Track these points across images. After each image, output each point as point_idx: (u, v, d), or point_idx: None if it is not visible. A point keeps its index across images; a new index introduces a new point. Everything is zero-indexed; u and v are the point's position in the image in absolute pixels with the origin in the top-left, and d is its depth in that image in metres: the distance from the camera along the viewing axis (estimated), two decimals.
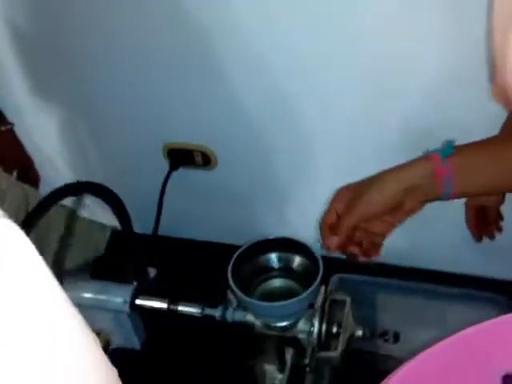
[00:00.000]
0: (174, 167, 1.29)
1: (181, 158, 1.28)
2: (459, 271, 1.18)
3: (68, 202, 1.34)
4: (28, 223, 0.82)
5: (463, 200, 0.99)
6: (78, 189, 0.96)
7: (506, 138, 0.73)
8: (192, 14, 1.00)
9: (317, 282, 0.78)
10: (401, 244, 1.23)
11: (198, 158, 1.27)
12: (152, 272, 1.28)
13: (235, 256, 0.84)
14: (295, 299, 0.77)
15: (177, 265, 1.33)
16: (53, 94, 1.23)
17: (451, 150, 0.66)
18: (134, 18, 1.03)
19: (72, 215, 1.25)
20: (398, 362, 1.09)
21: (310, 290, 0.77)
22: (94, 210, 1.34)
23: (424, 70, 0.95)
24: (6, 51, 1.14)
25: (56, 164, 1.32)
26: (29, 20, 1.10)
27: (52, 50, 1.13)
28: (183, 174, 1.29)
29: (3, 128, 1.16)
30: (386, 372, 1.08)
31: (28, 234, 0.76)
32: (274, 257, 0.88)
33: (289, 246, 0.88)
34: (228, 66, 1.07)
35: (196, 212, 1.36)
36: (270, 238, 0.87)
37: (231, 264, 0.83)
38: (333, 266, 1.02)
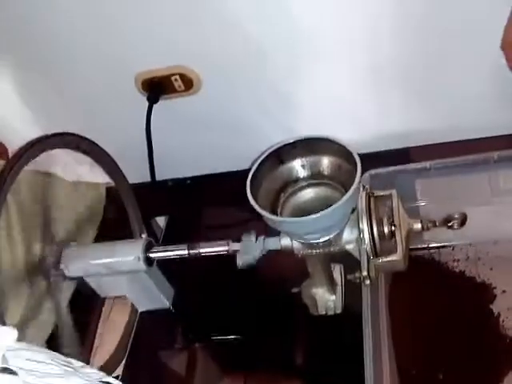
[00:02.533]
0: (153, 100, 1.11)
1: (158, 87, 1.10)
2: (495, 134, 1.04)
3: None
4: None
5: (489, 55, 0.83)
6: (48, 142, 0.80)
7: None
8: None
9: (357, 178, 0.64)
10: (424, 122, 1.08)
11: (178, 83, 1.09)
12: (162, 221, 1.15)
13: (251, 173, 0.69)
14: (337, 205, 0.62)
15: (187, 207, 1.19)
16: None
17: None
18: None
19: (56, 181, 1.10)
20: (456, 249, 0.96)
21: (353, 188, 0.63)
22: (79, 170, 1.19)
23: None
24: None
25: (21, 130, 1.14)
26: None
27: None
28: (165, 106, 1.12)
29: None
30: (446, 263, 0.95)
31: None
32: (297, 164, 0.73)
33: (310, 148, 0.72)
34: None
35: (190, 145, 1.19)
36: (286, 142, 0.72)
37: (248, 183, 0.68)
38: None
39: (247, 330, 0.96)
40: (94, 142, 0.90)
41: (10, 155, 1.13)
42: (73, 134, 0.86)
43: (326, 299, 0.82)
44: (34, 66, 1.08)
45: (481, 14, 0.87)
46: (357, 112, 1.09)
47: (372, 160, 1.04)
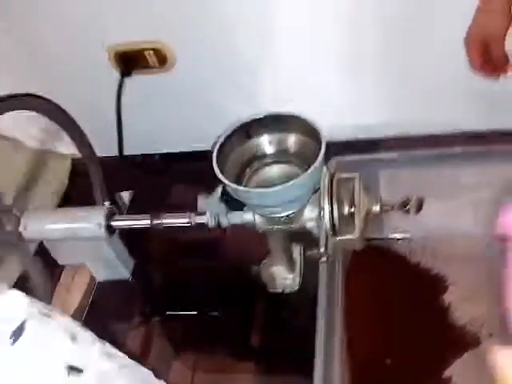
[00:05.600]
0: (125, 74, 1.11)
1: (131, 61, 1.09)
2: (459, 130, 1.07)
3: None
4: None
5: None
6: (12, 103, 0.79)
7: None
8: None
9: (320, 155, 0.65)
10: (392, 114, 1.11)
11: (152, 59, 1.09)
12: (126, 196, 1.15)
13: (218, 144, 0.70)
14: (297, 180, 0.64)
15: (153, 184, 1.18)
16: None
17: None
18: None
19: (19, 147, 1.08)
20: (413, 241, 0.99)
21: (314, 165, 0.64)
22: (46, 139, 1.17)
23: None
24: None
25: None
26: None
27: None
28: (138, 80, 1.12)
29: None
30: (403, 256, 0.97)
31: None
32: (264, 140, 0.74)
33: (279, 125, 0.74)
34: None
35: (161, 122, 1.19)
36: (255, 117, 0.73)
37: (215, 154, 0.68)
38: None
39: (204, 306, 0.96)
40: (60, 107, 0.89)
41: None
42: (39, 97, 0.85)
43: (284, 277, 0.84)
44: (6, 30, 1.06)
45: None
46: (330, 100, 1.11)
47: (340, 148, 1.06)
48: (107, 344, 0.35)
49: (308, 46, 1.03)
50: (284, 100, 1.09)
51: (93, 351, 0.32)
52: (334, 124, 1.09)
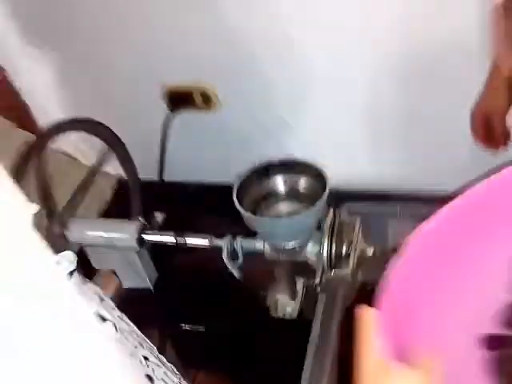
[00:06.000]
0: (173, 109, 1.26)
1: (180, 99, 1.25)
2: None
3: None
4: (28, 155, 0.81)
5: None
6: (78, 125, 0.94)
7: None
8: None
9: (324, 195, 0.76)
10: (405, 171, 1.21)
11: (199, 99, 1.24)
12: (159, 217, 1.28)
13: (240, 180, 0.82)
14: (302, 214, 0.75)
15: (184, 209, 1.31)
16: (45, 39, 1.21)
17: None
18: None
19: (76, 164, 1.24)
20: None
21: (317, 204, 0.75)
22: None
23: None
24: None
25: (50, 111, 1.30)
26: None
27: None
28: (185, 117, 1.27)
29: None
30: None
31: (25, 168, 0.74)
32: (279, 180, 0.85)
33: (294, 168, 0.85)
34: None
35: (201, 155, 1.34)
36: (274, 160, 0.85)
37: (236, 188, 0.81)
38: (342, 197, 1.01)
39: (213, 323, 1.07)
40: (113, 132, 1.04)
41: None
42: (97, 122, 1.00)
43: (285, 304, 0.94)
44: (72, 59, 1.24)
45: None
46: (351, 153, 1.23)
47: (355, 196, 1.17)
48: (124, 316, 0.46)
49: (336, 104, 1.16)
50: (308, 149, 1.22)
51: (114, 313, 0.43)
52: (351, 174, 1.21)
